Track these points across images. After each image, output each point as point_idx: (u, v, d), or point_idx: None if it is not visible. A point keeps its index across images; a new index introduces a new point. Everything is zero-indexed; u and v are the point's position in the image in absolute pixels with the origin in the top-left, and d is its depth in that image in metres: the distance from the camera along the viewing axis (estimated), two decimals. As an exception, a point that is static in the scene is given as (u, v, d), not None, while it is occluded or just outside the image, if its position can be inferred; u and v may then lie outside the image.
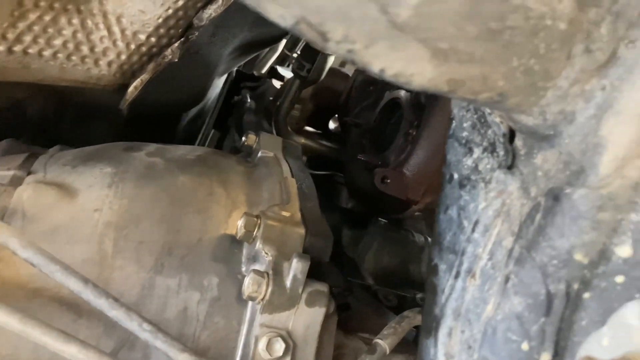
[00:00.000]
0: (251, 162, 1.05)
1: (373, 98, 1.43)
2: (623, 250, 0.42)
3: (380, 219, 1.40)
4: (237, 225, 0.83)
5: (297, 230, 0.83)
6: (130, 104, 0.95)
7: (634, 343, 0.37)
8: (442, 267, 0.54)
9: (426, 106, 1.20)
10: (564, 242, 0.43)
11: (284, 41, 1.97)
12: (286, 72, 1.87)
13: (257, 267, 0.79)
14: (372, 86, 1.44)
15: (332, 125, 1.70)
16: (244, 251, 0.83)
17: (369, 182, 1.27)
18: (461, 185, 0.56)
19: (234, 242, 0.84)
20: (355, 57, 0.36)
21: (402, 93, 1.29)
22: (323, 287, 0.80)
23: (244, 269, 0.82)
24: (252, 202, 0.91)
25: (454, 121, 0.60)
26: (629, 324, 0.38)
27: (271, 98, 1.61)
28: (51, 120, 1.06)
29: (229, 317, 0.78)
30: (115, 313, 0.67)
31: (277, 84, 1.75)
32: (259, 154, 1.05)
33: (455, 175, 0.57)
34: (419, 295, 1.13)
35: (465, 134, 0.58)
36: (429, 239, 1.41)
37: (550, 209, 0.45)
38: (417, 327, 0.94)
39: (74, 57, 0.76)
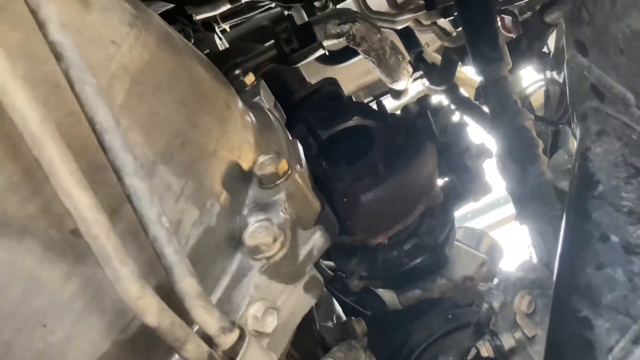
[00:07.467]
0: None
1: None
2: None
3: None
4: (259, 160, 0.66)
5: (315, 204, 0.69)
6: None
7: None
8: (600, 323, 0.47)
9: (403, 153, 1.14)
10: None
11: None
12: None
13: (264, 217, 0.63)
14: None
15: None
16: (250, 192, 0.66)
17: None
18: (629, 252, 0.51)
19: (241, 177, 0.67)
20: None
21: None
22: (320, 278, 0.66)
23: (245, 211, 0.64)
24: (260, 145, 0.74)
25: (600, 185, 0.56)
26: None
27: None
28: None
29: (214, 257, 0.60)
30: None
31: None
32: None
33: (614, 238, 0.52)
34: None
35: (626, 203, 0.53)
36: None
37: None
38: None
39: None
